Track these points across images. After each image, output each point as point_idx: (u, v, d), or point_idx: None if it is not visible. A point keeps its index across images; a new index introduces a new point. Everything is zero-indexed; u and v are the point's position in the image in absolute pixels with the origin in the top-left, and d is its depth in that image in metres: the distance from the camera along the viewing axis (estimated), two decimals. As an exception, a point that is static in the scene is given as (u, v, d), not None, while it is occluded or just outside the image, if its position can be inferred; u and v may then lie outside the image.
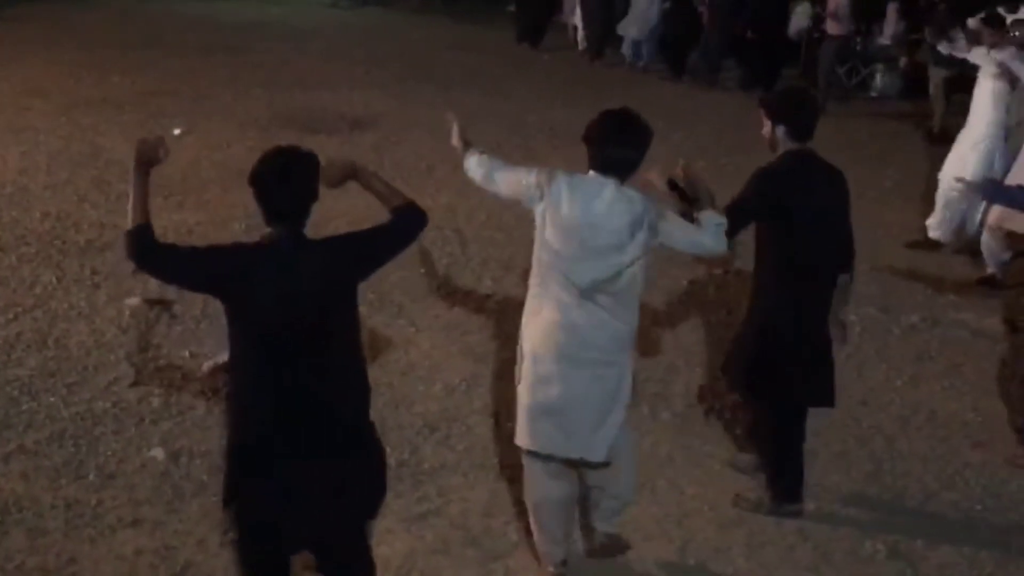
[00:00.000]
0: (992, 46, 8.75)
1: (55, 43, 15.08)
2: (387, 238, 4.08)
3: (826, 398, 5.15)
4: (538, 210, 4.50)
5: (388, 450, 5.50)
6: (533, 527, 4.65)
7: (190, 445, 5.46)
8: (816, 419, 5.41)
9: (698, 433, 5.98)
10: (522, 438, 4.46)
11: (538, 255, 4.49)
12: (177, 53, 15.02)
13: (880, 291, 8.10)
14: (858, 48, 16.58)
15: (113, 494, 5.04)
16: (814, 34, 16.17)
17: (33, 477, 5.13)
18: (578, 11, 17.75)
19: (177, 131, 10.90)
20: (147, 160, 3.92)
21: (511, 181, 4.66)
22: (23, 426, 5.53)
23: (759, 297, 5.14)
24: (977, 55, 8.83)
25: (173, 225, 8.28)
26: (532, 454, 4.49)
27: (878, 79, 15.78)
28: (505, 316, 7.21)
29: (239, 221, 8.49)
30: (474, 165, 4.77)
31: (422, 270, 7.86)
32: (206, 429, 5.62)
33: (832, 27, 15.07)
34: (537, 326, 4.41)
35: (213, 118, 11.56)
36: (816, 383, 5.08)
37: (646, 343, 6.91)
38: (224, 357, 4.04)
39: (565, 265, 4.35)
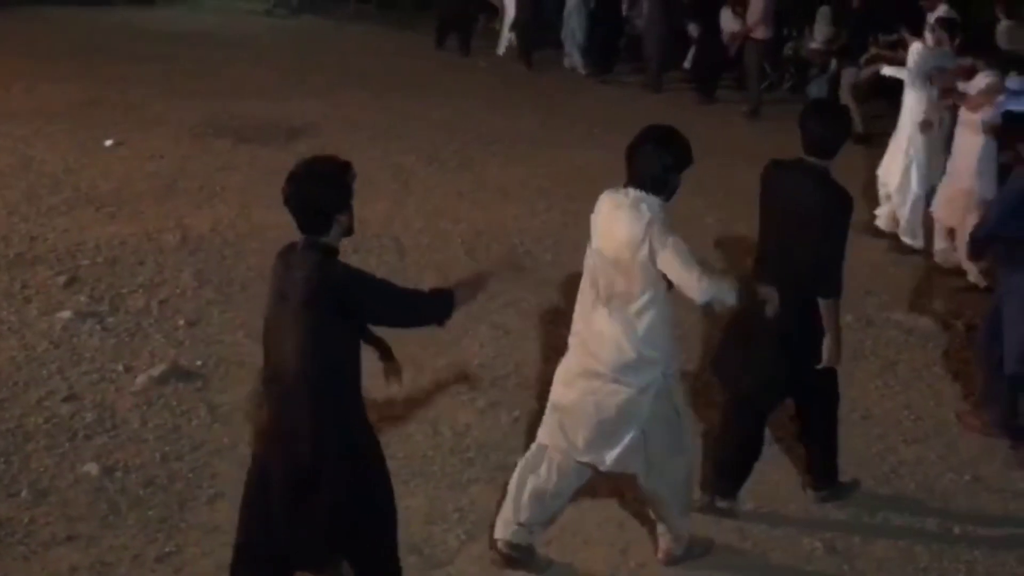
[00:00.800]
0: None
1: (-18, 54, 14.84)
2: (376, 302, 4.09)
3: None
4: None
5: (327, 460, 5.51)
6: (509, 498, 4.71)
7: (125, 459, 5.40)
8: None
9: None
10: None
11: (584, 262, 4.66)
12: (109, 62, 14.83)
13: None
14: (791, 53, 16.77)
15: (46, 511, 4.97)
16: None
17: (-37, 496, 5.05)
18: (506, 17, 17.84)
19: (109, 142, 10.76)
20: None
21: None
22: (-47, 444, 5.44)
23: None
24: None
25: (106, 239, 8.18)
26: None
27: (812, 84, 15.94)
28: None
29: (172, 232, 8.40)
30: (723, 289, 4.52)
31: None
32: (141, 442, 5.55)
33: (756, 32, 15.11)
34: (572, 331, 4.65)
35: (146, 128, 11.42)
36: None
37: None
38: None
39: (592, 273, 4.56)
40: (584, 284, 4.61)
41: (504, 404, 6.21)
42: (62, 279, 7.40)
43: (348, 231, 4.05)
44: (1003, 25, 12.25)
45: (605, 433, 4.50)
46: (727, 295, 4.42)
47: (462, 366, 6.64)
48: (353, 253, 8.27)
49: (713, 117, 14.07)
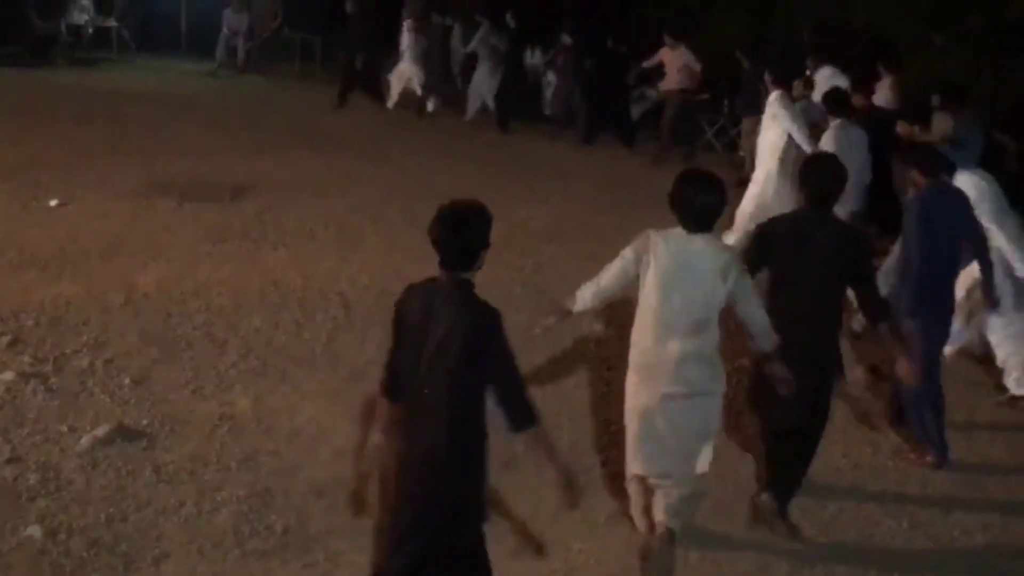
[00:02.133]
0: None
1: (-76, 115, 14.70)
2: (499, 362, 4.22)
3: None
4: (643, 271, 5.06)
5: (273, 517, 5.47)
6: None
7: (68, 521, 5.31)
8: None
9: (583, 488, 6.01)
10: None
11: (641, 306, 5.12)
12: (52, 122, 14.74)
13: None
14: (726, 109, 17.13)
15: (-12, 575, 4.88)
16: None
17: (-97, 561, 4.94)
18: (402, 69, 18.19)
19: (53, 202, 10.67)
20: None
21: (614, 273, 5.22)
22: None
23: None
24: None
25: (50, 298, 8.08)
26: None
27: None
28: (390, 379, 7.20)
29: (117, 292, 8.32)
30: (582, 296, 5.24)
31: (305, 336, 7.81)
32: (85, 504, 5.47)
33: (671, 83, 15.96)
34: (638, 366, 5.14)
35: (91, 188, 11.34)
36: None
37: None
38: None
39: (663, 309, 5.01)
40: (647, 322, 5.09)
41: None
42: (5, 340, 7.30)
43: (480, 266, 4.35)
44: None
45: (702, 440, 5.08)
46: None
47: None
48: (298, 309, 8.27)
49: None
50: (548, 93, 18.90)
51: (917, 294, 6.42)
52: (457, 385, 4.11)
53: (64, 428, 6.20)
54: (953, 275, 6.68)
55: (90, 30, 22.84)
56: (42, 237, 9.57)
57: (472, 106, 17.98)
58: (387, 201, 11.60)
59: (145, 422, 6.35)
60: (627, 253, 5.14)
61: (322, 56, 22.40)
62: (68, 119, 15.12)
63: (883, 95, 12.35)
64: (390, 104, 18.29)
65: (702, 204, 5.00)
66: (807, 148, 9.75)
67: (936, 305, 6.51)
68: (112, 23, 23.09)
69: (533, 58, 19.64)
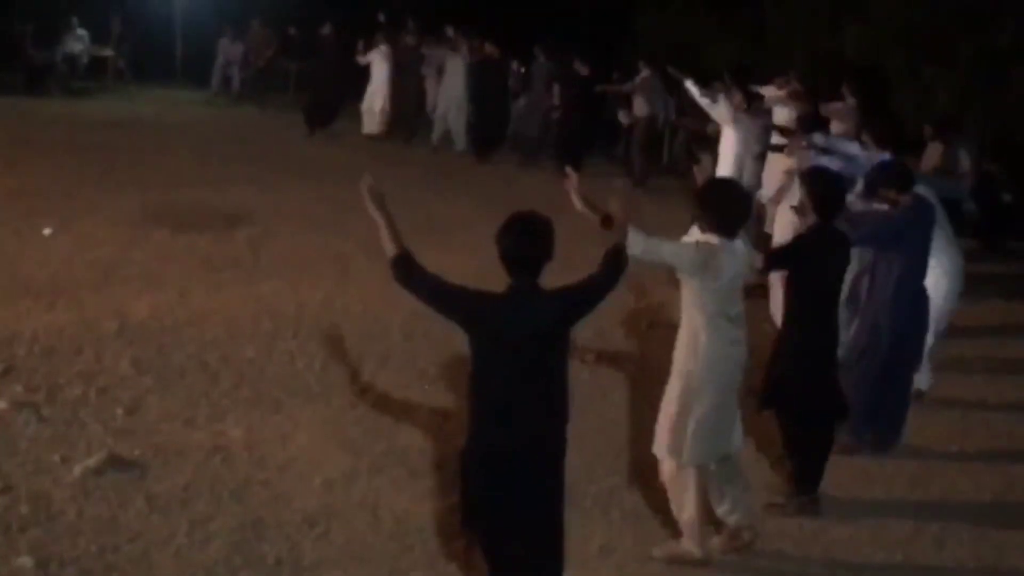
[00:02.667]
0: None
1: (-81, 144, 14.73)
2: (598, 289, 4.74)
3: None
4: (701, 274, 5.37)
5: (266, 547, 5.46)
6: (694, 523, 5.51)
7: (60, 552, 5.28)
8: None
9: (575, 518, 6.01)
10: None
11: (703, 304, 5.46)
12: (46, 152, 14.79)
13: (747, 369, 8.27)
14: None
15: (-21, 607, 4.86)
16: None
17: None
18: (376, 98, 18.41)
19: (47, 231, 10.69)
20: (377, 196, 5.00)
21: (675, 252, 5.45)
22: None
23: None
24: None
25: (43, 328, 8.08)
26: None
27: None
28: (381, 409, 7.20)
29: (110, 320, 8.32)
30: (636, 240, 5.23)
31: (299, 365, 7.81)
32: (77, 534, 5.45)
33: (638, 109, 16.49)
34: (707, 360, 5.52)
35: (85, 217, 11.36)
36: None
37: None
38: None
39: (727, 305, 5.47)
40: (720, 326, 5.48)
41: (443, 489, 6.18)
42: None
43: None
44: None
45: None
46: None
47: (401, 452, 6.62)
48: (291, 339, 8.28)
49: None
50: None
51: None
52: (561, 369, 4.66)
53: (56, 458, 6.19)
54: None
55: (85, 59, 22.96)
56: (36, 265, 9.59)
57: (437, 132, 18.13)
58: (380, 230, 11.60)
59: (137, 452, 6.33)
60: (691, 252, 5.41)
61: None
62: (63, 148, 15.17)
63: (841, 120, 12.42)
64: (368, 131, 18.49)
65: (742, 210, 5.62)
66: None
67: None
68: (108, 52, 23.19)
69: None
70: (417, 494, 6.12)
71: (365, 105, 18.49)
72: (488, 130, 17.79)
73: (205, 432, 6.66)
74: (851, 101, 12.45)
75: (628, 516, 6.07)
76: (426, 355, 8.17)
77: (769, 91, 12.61)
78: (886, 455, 7.12)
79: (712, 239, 5.40)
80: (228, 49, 22.15)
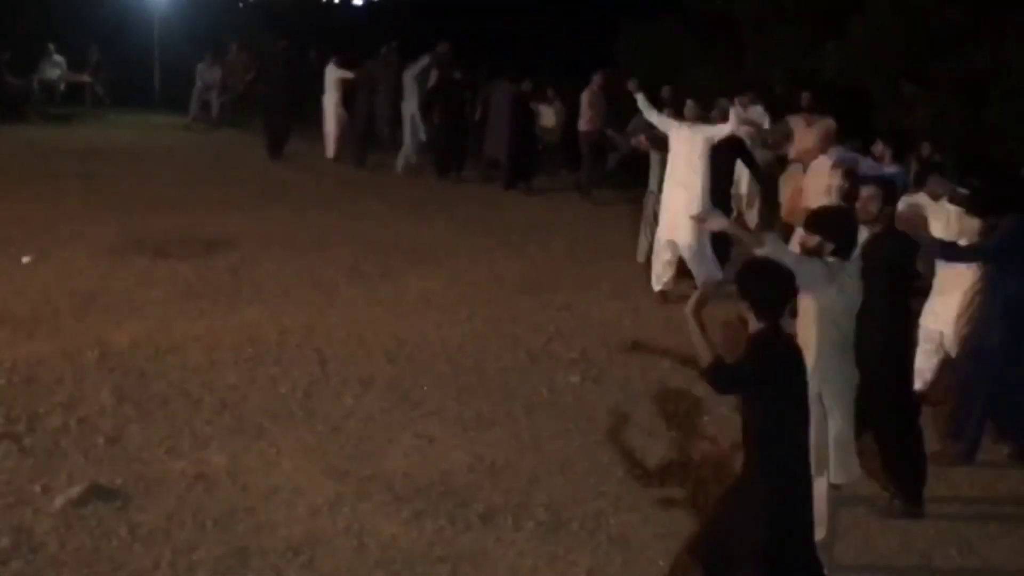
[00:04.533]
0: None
1: None
2: None
3: None
4: (827, 288, 5.60)
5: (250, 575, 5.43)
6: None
7: (43, 584, 5.27)
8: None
9: (562, 542, 6.01)
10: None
11: (833, 317, 5.68)
12: (24, 179, 14.75)
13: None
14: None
15: (-39, 641, 4.82)
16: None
17: None
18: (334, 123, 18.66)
19: (26, 259, 10.65)
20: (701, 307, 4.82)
21: (804, 270, 5.44)
22: None
23: None
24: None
25: (23, 357, 8.04)
26: None
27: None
28: (366, 434, 7.18)
29: (91, 349, 8.29)
30: (773, 244, 5.66)
31: (282, 391, 7.80)
32: (60, 566, 5.41)
33: (583, 124, 17.04)
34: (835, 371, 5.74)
35: (64, 244, 11.34)
36: None
37: (507, 453, 6.97)
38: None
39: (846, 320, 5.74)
40: (840, 346, 5.74)
41: (429, 513, 6.17)
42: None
43: None
44: None
45: None
46: None
47: (386, 477, 6.61)
48: (274, 365, 8.27)
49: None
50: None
51: None
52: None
53: (37, 488, 6.15)
54: None
55: (63, 86, 22.94)
56: (14, 294, 9.55)
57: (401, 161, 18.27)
58: (363, 255, 11.63)
59: (120, 481, 6.30)
60: (819, 268, 5.58)
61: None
62: (41, 175, 15.14)
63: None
64: (330, 155, 18.71)
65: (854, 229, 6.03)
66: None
67: None
68: (85, 78, 23.18)
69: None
70: (403, 519, 6.10)
71: (328, 128, 18.84)
72: (448, 149, 17.98)
73: (188, 460, 6.63)
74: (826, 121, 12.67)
75: (615, 540, 6.06)
76: (410, 378, 8.16)
77: (746, 112, 12.84)
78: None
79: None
80: (206, 74, 22.16)
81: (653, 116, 11.01)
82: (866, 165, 10.33)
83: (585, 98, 17.12)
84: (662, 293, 10.87)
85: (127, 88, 23.93)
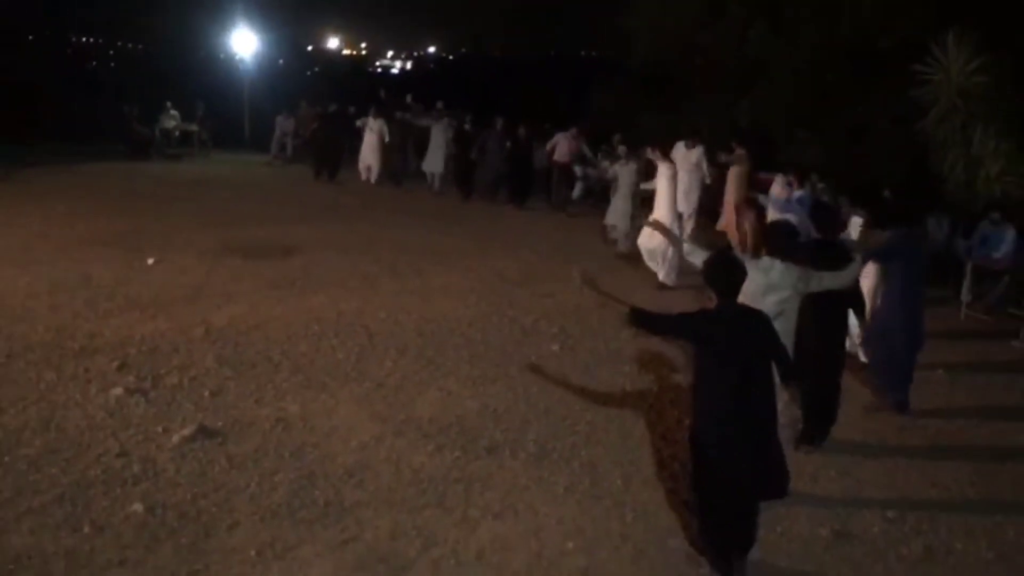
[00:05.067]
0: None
1: (51, 198, 14.61)
2: (775, 348, 4.70)
3: None
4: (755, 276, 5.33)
5: (317, 492, 5.45)
6: None
7: (163, 499, 5.28)
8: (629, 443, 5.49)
9: (546, 467, 6.03)
10: None
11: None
12: (148, 202, 14.72)
13: (670, 356, 8.34)
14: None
15: (103, 542, 4.83)
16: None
17: (39, 532, 4.89)
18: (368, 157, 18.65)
19: (151, 260, 10.64)
20: (590, 281, 5.07)
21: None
22: (30, 492, 5.27)
23: None
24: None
25: (148, 333, 8.05)
26: None
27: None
28: (401, 388, 7.20)
29: (198, 327, 8.30)
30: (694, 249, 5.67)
31: (339, 356, 7.81)
32: (176, 486, 5.44)
33: (559, 157, 17.01)
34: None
35: (178, 250, 11.32)
36: None
37: (497, 399, 6.99)
38: None
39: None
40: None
41: (448, 447, 6.20)
42: (115, 364, 7.27)
43: None
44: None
45: None
46: None
47: (416, 420, 6.63)
48: (334, 337, 8.27)
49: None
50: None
51: None
52: (767, 363, 4.61)
53: (159, 429, 6.18)
54: None
55: (176, 132, 22.88)
56: (141, 287, 9.55)
57: (431, 180, 18.26)
58: (399, 257, 11.62)
59: (220, 424, 6.33)
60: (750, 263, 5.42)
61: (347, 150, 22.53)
62: (160, 199, 15.10)
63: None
64: (364, 179, 18.73)
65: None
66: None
67: None
68: (193, 127, 23.13)
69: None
70: (429, 451, 6.12)
71: (361, 163, 18.88)
72: (466, 178, 17.94)
73: (270, 408, 6.66)
74: (740, 151, 12.67)
75: (585, 466, 6.07)
76: (433, 348, 8.17)
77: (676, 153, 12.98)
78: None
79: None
80: (283, 123, 22.08)
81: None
82: (772, 199, 10.43)
83: (563, 139, 17.11)
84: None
85: (225, 134, 23.88)
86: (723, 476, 4.54)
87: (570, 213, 16.53)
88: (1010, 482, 6.23)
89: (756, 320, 4.65)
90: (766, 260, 5.55)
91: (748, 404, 4.49)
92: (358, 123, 18.93)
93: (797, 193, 10.86)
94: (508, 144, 17.41)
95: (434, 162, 18.07)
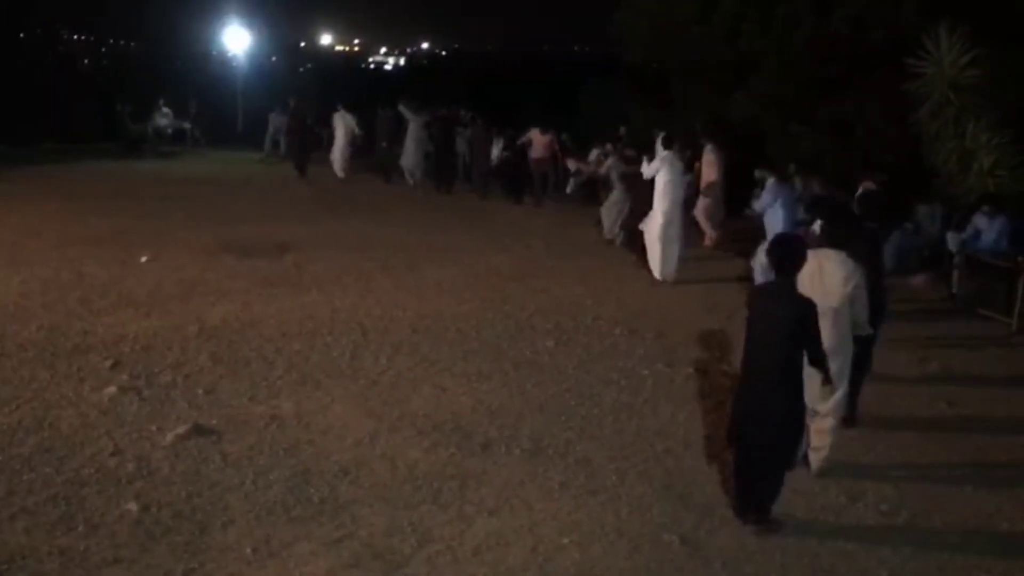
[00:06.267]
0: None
1: (44, 196, 14.59)
2: (808, 334, 4.97)
3: None
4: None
5: (311, 490, 5.43)
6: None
7: (157, 497, 5.25)
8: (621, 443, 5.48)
9: (541, 463, 6.02)
10: None
11: None
12: (141, 200, 14.69)
13: (663, 350, 8.33)
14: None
15: (97, 540, 4.81)
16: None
17: (33, 531, 4.86)
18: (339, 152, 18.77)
19: (144, 258, 10.62)
20: None
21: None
22: (24, 492, 5.25)
23: None
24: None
25: (142, 330, 8.03)
26: None
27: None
28: (396, 385, 7.18)
29: (192, 325, 8.28)
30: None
31: (334, 354, 7.79)
32: (170, 484, 5.42)
33: (534, 153, 17.25)
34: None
35: (172, 248, 11.29)
36: None
37: (493, 397, 6.97)
38: None
39: None
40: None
41: (443, 443, 6.18)
42: (108, 362, 7.25)
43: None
44: None
45: None
46: None
47: (411, 416, 6.61)
48: (328, 335, 8.25)
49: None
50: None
51: None
52: (789, 347, 4.92)
53: (154, 428, 6.16)
54: None
55: (170, 131, 22.85)
56: (135, 285, 9.52)
57: (409, 177, 18.30)
58: (393, 254, 11.60)
59: (215, 421, 6.31)
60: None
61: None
62: (154, 197, 15.07)
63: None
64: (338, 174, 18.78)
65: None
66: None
67: None
68: (187, 125, 23.11)
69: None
70: (424, 448, 6.11)
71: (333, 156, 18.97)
72: (443, 171, 18.09)
73: (265, 406, 6.64)
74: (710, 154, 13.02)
75: (580, 461, 6.06)
76: (428, 344, 8.16)
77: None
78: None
79: None
80: (276, 121, 22.04)
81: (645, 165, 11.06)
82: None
83: (537, 136, 17.23)
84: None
85: (218, 132, 23.84)
86: (737, 430, 5.17)
87: (547, 207, 16.43)
88: (1004, 474, 6.24)
89: (796, 303, 4.96)
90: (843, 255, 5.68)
91: (760, 370, 5.00)
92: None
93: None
94: (501, 140, 17.48)
95: (411, 157, 18.13)
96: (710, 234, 13.22)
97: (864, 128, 14.69)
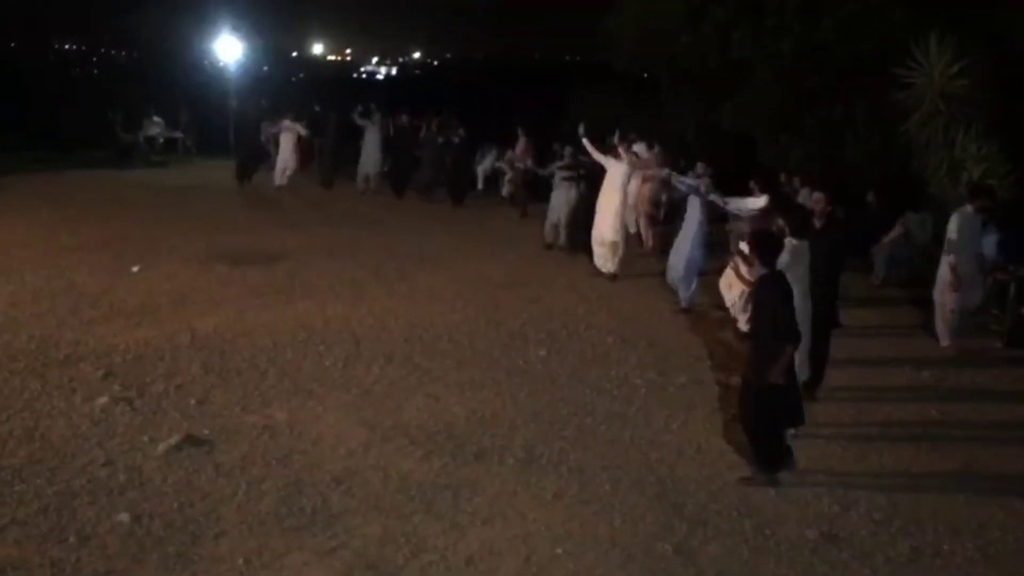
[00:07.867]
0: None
1: (35, 205, 14.53)
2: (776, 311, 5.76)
3: None
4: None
5: (304, 500, 5.40)
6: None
7: (150, 508, 5.22)
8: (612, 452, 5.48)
9: (534, 473, 6.01)
10: None
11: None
12: (132, 209, 14.64)
13: (655, 359, 8.33)
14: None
15: (89, 552, 4.77)
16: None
17: (24, 543, 4.82)
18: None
19: (135, 268, 10.57)
20: None
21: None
22: (15, 503, 5.20)
23: None
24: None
25: (133, 340, 7.99)
26: None
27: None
28: (389, 395, 7.16)
29: (184, 334, 8.24)
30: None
31: (326, 363, 7.77)
32: (162, 495, 5.38)
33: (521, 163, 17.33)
34: None
35: (163, 257, 11.26)
36: None
37: (485, 405, 6.96)
38: None
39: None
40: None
41: (436, 453, 6.16)
42: (100, 373, 7.21)
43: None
44: None
45: None
46: None
47: (404, 426, 6.59)
48: (320, 344, 8.23)
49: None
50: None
51: None
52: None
53: (145, 438, 6.12)
54: None
55: (160, 139, 22.81)
56: (127, 294, 9.48)
57: (360, 181, 18.29)
58: (385, 261, 11.59)
59: (207, 431, 6.27)
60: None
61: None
62: (145, 206, 15.03)
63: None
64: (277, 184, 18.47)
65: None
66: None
67: None
68: (178, 134, 23.08)
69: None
70: (417, 457, 6.09)
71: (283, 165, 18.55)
72: (401, 176, 18.08)
73: (257, 415, 6.61)
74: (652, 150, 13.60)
75: (573, 471, 6.05)
76: (420, 353, 8.15)
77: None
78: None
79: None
80: (267, 129, 22.00)
81: (596, 155, 11.19)
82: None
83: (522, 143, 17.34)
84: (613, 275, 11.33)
85: (209, 141, 23.80)
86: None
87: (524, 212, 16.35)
88: (995, 483, 6.25)
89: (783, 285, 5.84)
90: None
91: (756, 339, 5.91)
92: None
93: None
94: (494, 150, 17.55)
95: (369, 163, 18.13)
96: (646, 236, 13.61)
97: (853, 137, 14.75)
